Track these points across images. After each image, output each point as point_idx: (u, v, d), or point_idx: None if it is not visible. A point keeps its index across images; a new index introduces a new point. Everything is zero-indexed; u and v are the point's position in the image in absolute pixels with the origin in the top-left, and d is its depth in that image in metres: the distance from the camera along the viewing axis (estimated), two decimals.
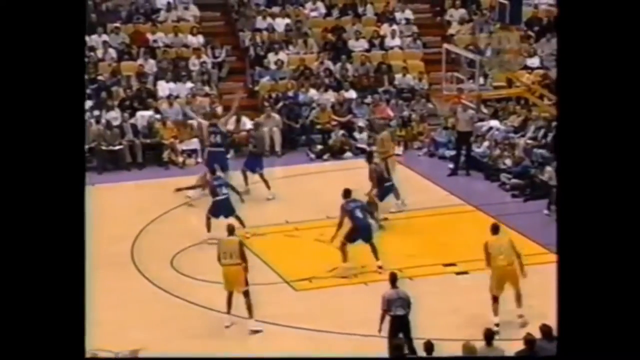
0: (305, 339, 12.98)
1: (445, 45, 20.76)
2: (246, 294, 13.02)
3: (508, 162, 19.54)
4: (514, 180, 18.81)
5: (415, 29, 25.02)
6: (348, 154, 21.43)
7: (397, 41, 24.77)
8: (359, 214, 14.94)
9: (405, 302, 12.14)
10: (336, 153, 21.31)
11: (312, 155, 21.12)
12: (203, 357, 11.44)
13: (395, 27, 24.92)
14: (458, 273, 14.99)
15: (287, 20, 24.62)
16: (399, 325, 12.05)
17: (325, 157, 21.21)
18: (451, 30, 24.99)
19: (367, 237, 14.92)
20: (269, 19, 24.64)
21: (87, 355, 8.16)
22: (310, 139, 21.75)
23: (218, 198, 15.82)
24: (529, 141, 20.03)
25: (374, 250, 14.89)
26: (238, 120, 20.99)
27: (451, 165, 20.13)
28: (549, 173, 18.09)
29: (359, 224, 14.87)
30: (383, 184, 16.68)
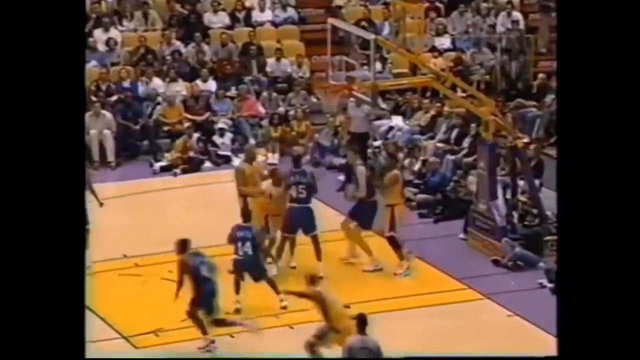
0: None
1: (331, 21, 19.68)
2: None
3: (414, 169, 20.05)
4: (421, 196, 19.10)
5: None
6: (206, 164, 21.36)
7: (268, 15, 25.00)
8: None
9: (373, 354, 12.96)
10: (190, 163, 21.36)
11: (157, 167, 20.86)
12: (207, 357, 13.85)
13: None
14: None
15: None
16: None
17: (176, 169, 21.01)
18: (338, 1, 25.34)
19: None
20: None
21: None
22: (154, 144, 21.55)
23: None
24: (440, 144, 20.71)
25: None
26: None
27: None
28: (471, 184, 18.58)
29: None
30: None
